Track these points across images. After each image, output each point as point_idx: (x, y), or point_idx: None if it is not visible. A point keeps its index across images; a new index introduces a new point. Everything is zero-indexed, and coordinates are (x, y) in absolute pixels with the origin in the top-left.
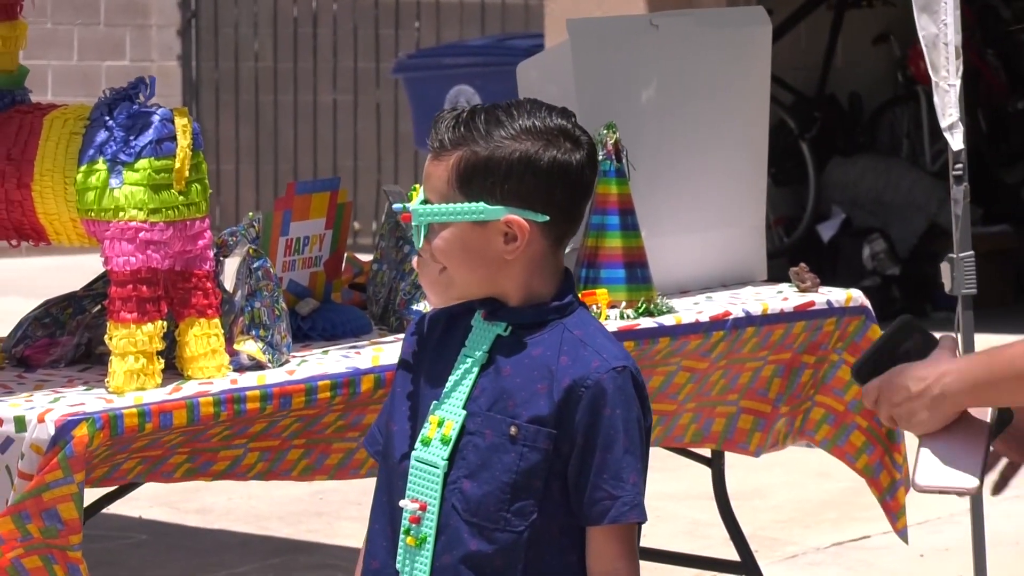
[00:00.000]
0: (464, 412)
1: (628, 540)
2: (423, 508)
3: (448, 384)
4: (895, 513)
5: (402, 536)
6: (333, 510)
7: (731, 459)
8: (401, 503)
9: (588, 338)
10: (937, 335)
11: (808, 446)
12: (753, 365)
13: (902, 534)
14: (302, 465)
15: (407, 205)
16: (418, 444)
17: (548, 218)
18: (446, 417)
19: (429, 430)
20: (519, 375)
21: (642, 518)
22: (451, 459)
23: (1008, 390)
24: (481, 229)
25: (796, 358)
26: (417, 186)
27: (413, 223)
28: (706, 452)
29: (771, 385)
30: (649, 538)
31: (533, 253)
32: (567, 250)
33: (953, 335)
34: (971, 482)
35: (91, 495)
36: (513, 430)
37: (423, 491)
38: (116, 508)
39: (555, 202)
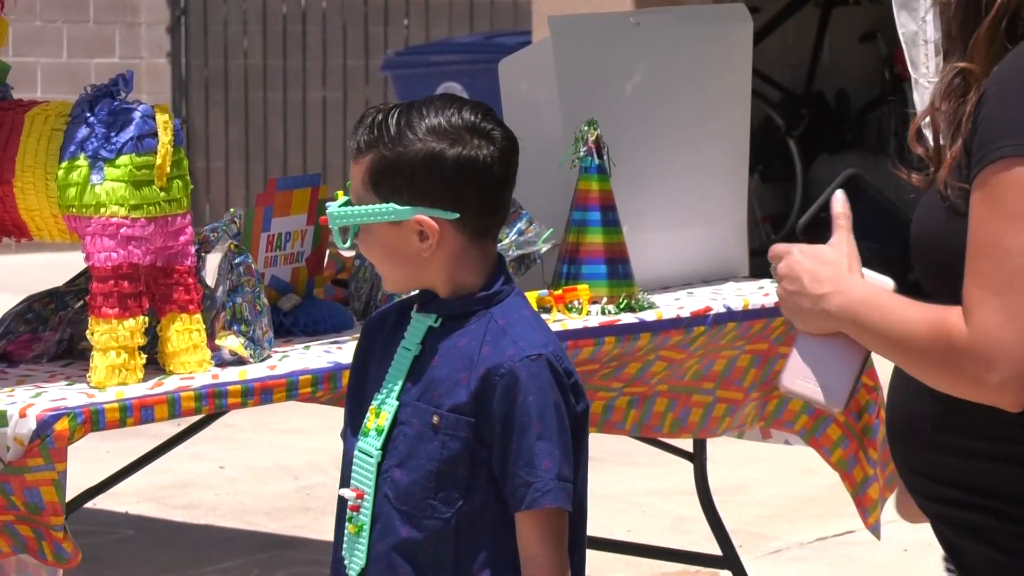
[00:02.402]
0: (397, 403)
1: (548, 525)
2: (360, 496)
3: (387, 376)
4: (867, 508)
5: (346, 523)
6: (320, 506)
7: (715, 455)
8: (340, 491)
9: (510, 327)
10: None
11: (786, 442)
12: (729, 354)
13: (873, 529)
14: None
15: (327, 207)
16: (360, 434)
17: (458, 215)
18: (382, 407)
19: (368, 420)
20: (445, 365)
21: (559, 503)
22: (385, 448)
23: (873, 342)
24: (397, 229)
25: (772, 348)
26: (340, 191)
27: (330, 226)
28: (688, 447)
29: (747, 375)
30: (634, 533)
31: (451, 248)
32: (547, 247)
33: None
34: (837, 401)
35: (75, 489)
36: (436, 419)
37: (361, 480)
38: (103, 504)
39: (464, 198)
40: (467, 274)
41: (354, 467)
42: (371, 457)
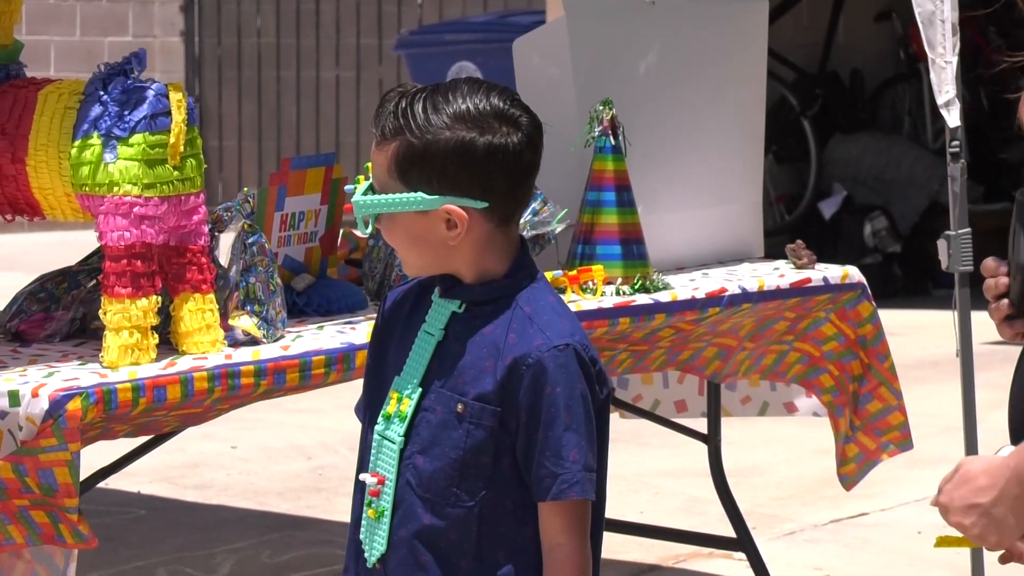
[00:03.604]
0: (419, 389)
1: (573, 516)
2: (381, 482)
3: (408, 360)
4: (841, 460)
5: (365, 508)
6: (332, 486)
7: (730, 436)
8: (361, 476)
9: (536, 315)
10: (936, 313)
11: (815, 414)
12: (736, 319)
13: (843, 480)
14: None
15: (350, 193)
16: (380, 419)
17: (487, 204)
18: (404, 393)
19: (390, 405)
20: (470, 352)
21: (585, 495)
22: (407, 435)
23: None
24: (424, 217)
25: (778, 311)
26: (362, 175)
27: (355, 214)
28: (702, 427)
29: (743, 327)
30: (647, 514)
31: (478, 236)
32: (561, 227)
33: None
34: None
35: (87, 469)
36: (460, 407)
37: (383, 465)
38: (115, 483)
39: (494, 187)
40: (492, 260)
41: (375, 451)
42: (394, 444)
